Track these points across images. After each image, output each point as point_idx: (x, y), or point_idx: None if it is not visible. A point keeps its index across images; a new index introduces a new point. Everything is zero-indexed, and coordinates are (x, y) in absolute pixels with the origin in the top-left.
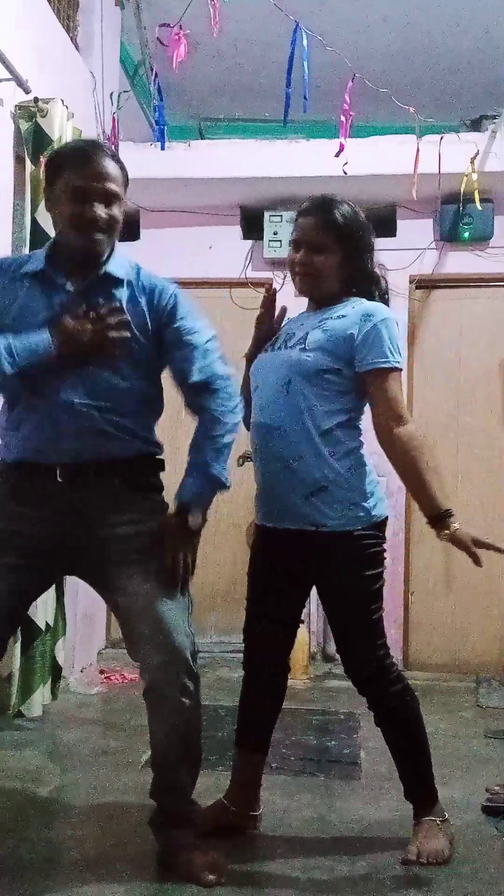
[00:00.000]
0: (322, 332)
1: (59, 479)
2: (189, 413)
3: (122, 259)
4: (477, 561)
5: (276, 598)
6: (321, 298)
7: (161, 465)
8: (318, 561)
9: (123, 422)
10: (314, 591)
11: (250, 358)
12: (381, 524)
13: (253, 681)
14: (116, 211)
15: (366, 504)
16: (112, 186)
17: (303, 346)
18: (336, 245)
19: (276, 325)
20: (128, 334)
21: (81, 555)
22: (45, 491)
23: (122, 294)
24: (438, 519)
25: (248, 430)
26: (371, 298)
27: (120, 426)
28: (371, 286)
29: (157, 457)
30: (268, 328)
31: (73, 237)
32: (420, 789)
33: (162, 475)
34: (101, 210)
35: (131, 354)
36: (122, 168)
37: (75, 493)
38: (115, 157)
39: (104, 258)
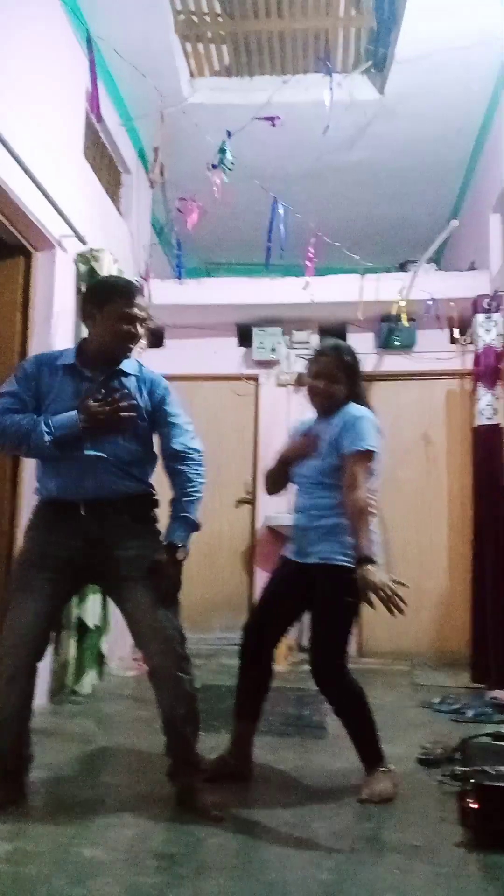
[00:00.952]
0: (327, 443)
1: (82, 514)
2: (166, 474)
3: (130, 361)
4: (369, 603)
5: (282, 608)
6: (328, 412)
7: (156, 504)
8: (318, 583)
9: (129, 469)
10: None
11: (283, 459)
12: None
13: (248, 669)
14: (143, 330)
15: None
16: (144, 314)
17: (322, 455)
18: (345, 377)
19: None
20: (135, 414)
21: (100, 571)
22: (73, 524)
23: (131, 382)
24: (362, 560)
25: (269, 493)
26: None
27: (127, 472)
28: (360, 400)
29: (154, 496)
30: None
31: (117, 346)
32: (370, 753)
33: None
34: (139, 329)
35: (136, 426)
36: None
37: (95, 525)
38: (142, 292)
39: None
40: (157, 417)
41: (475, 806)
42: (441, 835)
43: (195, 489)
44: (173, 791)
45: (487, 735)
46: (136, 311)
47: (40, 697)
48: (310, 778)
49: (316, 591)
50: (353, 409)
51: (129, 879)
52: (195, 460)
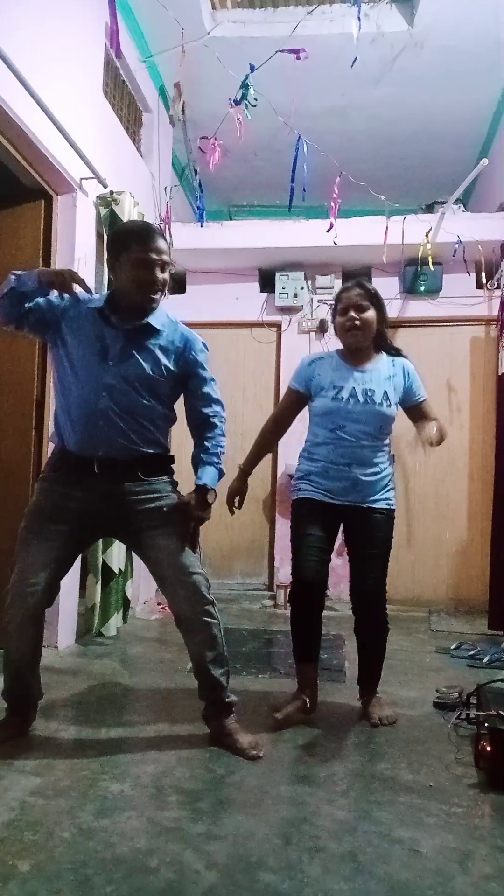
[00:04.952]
0: (394, 389)
1: (96, 471)
2: (191, 429)
3: (161, 313)
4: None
5: (328, 550)
6: (361, 351)
7: (172, 460)
8: (374, 523)
9: (144, 429)
10: None
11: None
12: None
13: (310, 614)
14: (167, 275)
15: (394, 491)
16: (165, 257)
17: (388, 402)
18: (371, 306)
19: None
20: (81, 289)
21: (118, 525)
22: (87, 479)
23: (156, 340)
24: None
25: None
26: (390, 352)
27: (142, 433)
28: (388, 341)
29: (169, 454)
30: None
31: (138, 294)
32: (377, 679)
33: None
34: (159, 274)
35: (153, 386)
36: (168, 242)
37: (109, 482)
38: (163, 235)
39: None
40: (188, 381)
41: (489, 749)
42: (455, 776)
43: (221, 443)
44: (198, 729)
45: (502, 680)
46: (152, 255)
47: (68, 639)
48: (328, 719)
49: (373, 530)
50: (407, 362)
51: (151, 813)
52: (222, 420)
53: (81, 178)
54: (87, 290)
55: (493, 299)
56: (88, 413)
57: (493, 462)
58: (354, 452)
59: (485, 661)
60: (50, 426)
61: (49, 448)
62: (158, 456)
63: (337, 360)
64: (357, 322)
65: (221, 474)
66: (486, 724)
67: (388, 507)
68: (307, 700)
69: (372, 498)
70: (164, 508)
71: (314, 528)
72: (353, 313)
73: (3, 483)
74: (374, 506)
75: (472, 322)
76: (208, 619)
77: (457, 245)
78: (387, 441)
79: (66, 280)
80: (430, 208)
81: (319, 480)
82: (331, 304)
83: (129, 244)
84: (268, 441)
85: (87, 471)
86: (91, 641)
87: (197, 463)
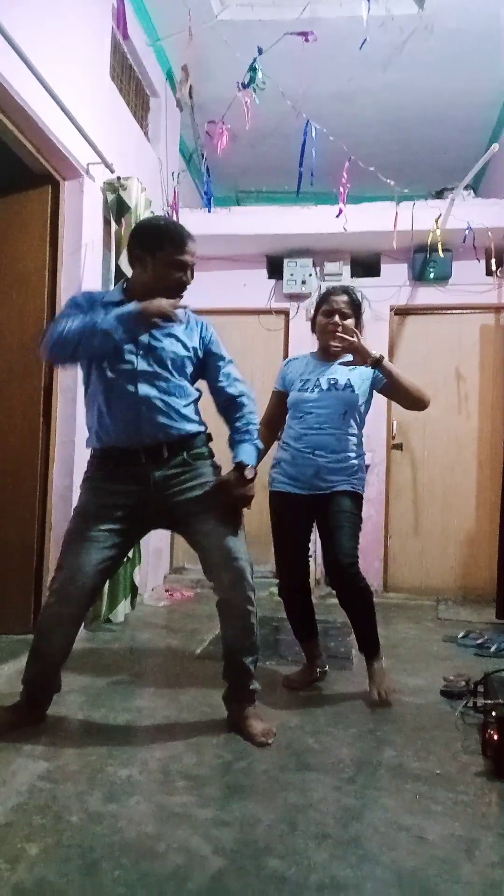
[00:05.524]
0: (359, 378)
1: (143, 461)
2: (221, 413)
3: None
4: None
5: (304, 540)
6: (337, 352)
7: (210, 438)
8: (342, 503)
9: (183, 408)
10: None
11: None
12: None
13: (298, 601)
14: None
15: (363, 480)
16: (195, 259)
17: (351, 389)
18: (353, 315)
19: None
20: (171, 322)
21: (166, 514)
22: (133, 472)
23: (178, 327)
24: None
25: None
26: None
27: (180, 412)
28: None
29: (206, 431)
30: None
31: (167, 294)
32: (374, 643)
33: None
34: (190, 277)
35: (184, 366)
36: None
37: (156, 471)
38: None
39: None
40: (207, 360)
41: (496, 737)
42: (462, 764)
43: (253, 420)
44: (204, 713)
45: None
46: (187, 258)
47: None
48: (335, 707)
49: (341, 508)
50: None
51: (159, 799)
52: (250, 399)
53: (88, 164)
54: (174, 313)
55: (502, 286)
56: (130, 402)
57: (502, 451)
58: (319, 439)
59: (492, 649)
60: (57, 416)
61: (57, 443)
62: (198, 436)
63: (309, 358)
64: (339, 328)
65: (258, 450)
66: (494, 713)
67: (352, 489)
68: (317, 670)
69: (336, 482)
70: (208, 493)
71: (289, 525)
72: (337, 319)
73: (13, 476)
74: (337, 489)
75: (482, 310)
76: (249, 608)
77: (467, 231)
78: (355, 431)
79: (154, 313)
80: (439, 194)
81: (287, 468)
82: (319, 298)
83: (164, 243)
84: (263, 443)
85: (134, 462)
86: (99, 628)
87: (232, 444)
